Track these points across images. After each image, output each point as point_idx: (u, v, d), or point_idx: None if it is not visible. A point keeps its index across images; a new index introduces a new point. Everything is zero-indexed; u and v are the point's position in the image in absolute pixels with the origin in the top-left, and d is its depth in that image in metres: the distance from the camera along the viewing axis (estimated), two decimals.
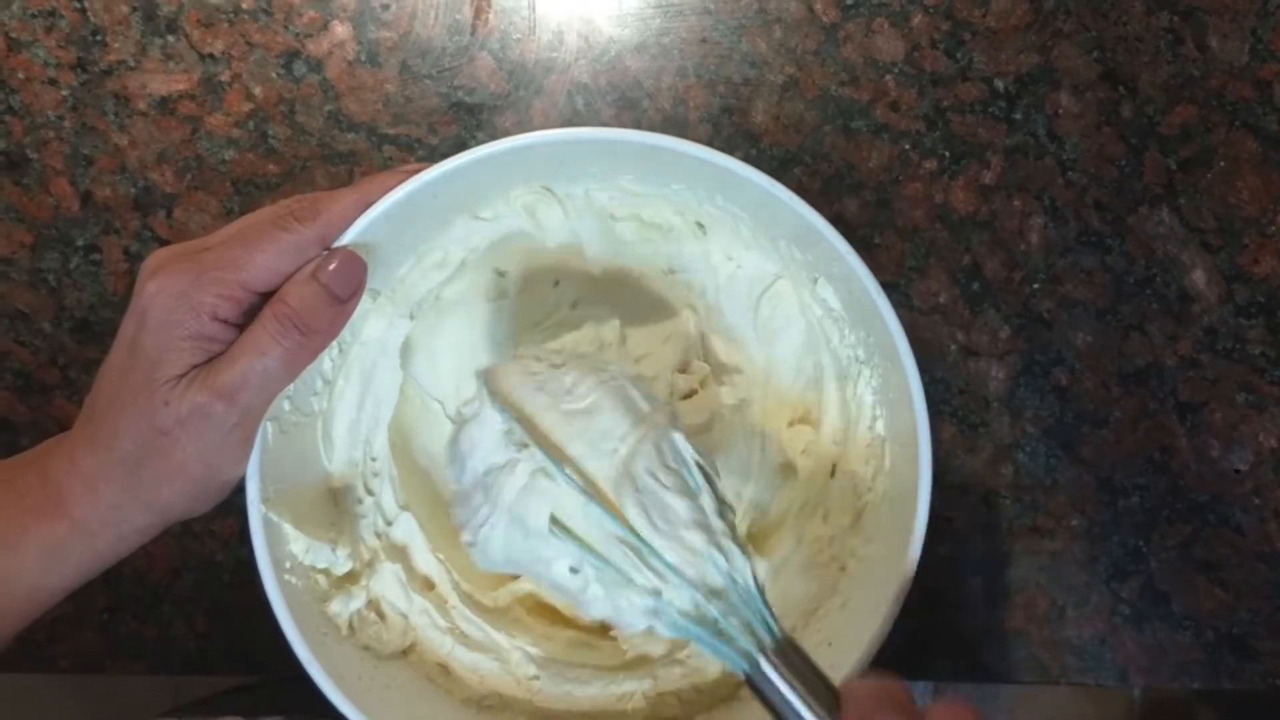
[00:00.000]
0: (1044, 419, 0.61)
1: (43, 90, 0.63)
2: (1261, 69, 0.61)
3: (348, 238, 0.45)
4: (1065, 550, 0.61)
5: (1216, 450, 0.61)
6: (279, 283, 0.45)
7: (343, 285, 0.45)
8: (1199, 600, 0.61)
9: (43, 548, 0.45)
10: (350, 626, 0.50)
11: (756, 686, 0.38)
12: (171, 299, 0.43)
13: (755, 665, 0.38)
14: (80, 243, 0.63)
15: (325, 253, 0.45)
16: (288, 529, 0.48)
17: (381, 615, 0.51)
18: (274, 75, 0.62)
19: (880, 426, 0.51)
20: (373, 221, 0.46)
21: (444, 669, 0.52)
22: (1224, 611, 0.61)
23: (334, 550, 0.50)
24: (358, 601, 0.50)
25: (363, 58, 0.62)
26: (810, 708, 0.37)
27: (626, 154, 0.48)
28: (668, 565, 0.39)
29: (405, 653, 0.52)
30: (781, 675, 0.37)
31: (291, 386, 0.46)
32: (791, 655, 0.38)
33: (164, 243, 0.63)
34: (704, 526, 0.40)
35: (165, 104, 0.63)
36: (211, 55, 0.62)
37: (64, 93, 0.63)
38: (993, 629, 0.61)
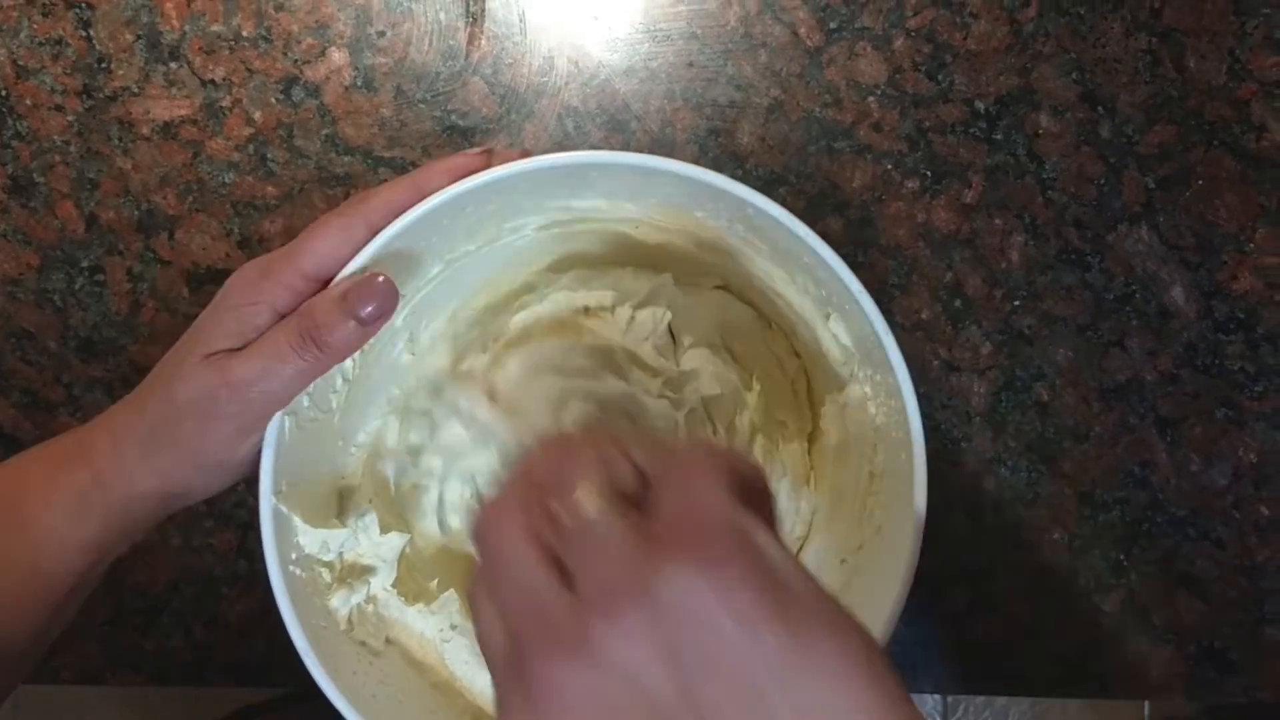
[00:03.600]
0: (1025, 434, 0.62)
1: (49, 116, 0.65)
2: (1239, 89, 0.62)
3: (395, 228, 0.46)
4: (1047, 564, 0.62)
5: (1196, 465, 0.62)
6: (334, 268, 0.46)
7: (363, 301, 0.45)
8: (1180, 614, 0.61)
9: (68, 496, 0.47)
10: (349, 621, 0.51)
11: None
12: (242, 285, 0.46)
13: None
14: (85, 264, 0.65)
15: (362, 276, 0.46)
16: (297, 522, 0.49)
17: (379, 612, 0.52)
18: (273, 100, 0.64)
19: (879, 460, 0.52)
20: (420, 217, 0.47)
21: (441, 673, 0.53)
22: (1205, 625, 0.61)
23: (348, 532, 0.51)
24: (358, 596, 0.51)
25: (359, 83, 0.64)
26: None
27: (659, 180, 0.49)
28: None
29: (403, 655, 0.53)
30: None
31: (312, 385, 0.48)
32: None
33: (165, 264, 0.64)
34: None
35: (168, 129, 0.64)
36: (213, 81, 0.64)
37: (69, 118, 0.65)
38: (975, 642, 0.62)
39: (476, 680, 0.53)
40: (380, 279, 0.46)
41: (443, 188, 0.47)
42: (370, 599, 0.52)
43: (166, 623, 0.64)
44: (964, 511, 0.62)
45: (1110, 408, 0.62)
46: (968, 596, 0.62)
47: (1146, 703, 1.34)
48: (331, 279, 0.46)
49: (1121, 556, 0.62)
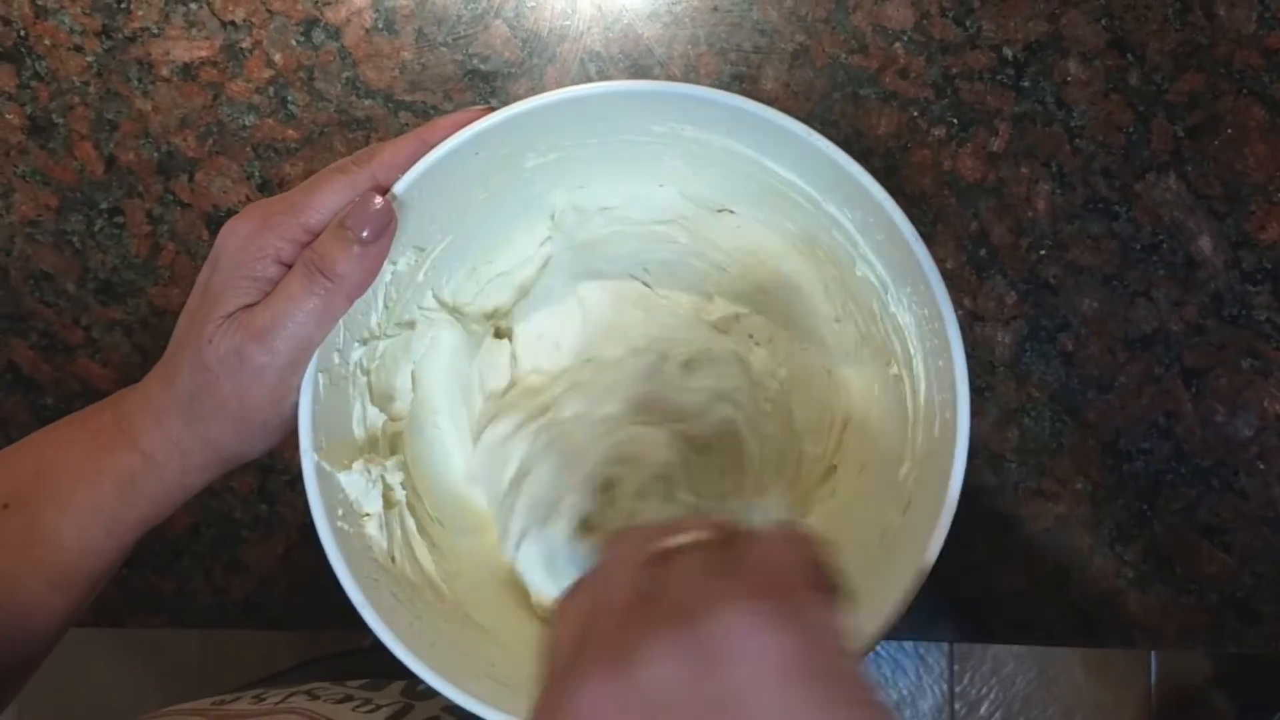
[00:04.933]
0: (1050, 384, 0.62)
1: (68, 57, 0.64)
2: (1269, 37, 0.61)
3: (405, 181, 0.46)
4: (1070, 514, 0.62)
5: (1221, 415, 0.61)
6: None
7: (359, 224, 0.44)
8: (1203, 564, 0.61)
9: (116, 478, 0.47)
10: (399, 566, 0.51)
11: None
12: (240, 241, 0.45)
13: None
14: (104, 205, 0.64)
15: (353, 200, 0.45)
16: (340, 478, 0.48)
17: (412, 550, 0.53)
18: (293, 42, 0.64)
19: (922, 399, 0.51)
20: (429, 167, 0.46)
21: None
22: (1228, 575, 0.61)
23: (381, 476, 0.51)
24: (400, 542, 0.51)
25: (380, 25, 0.64)
26: None
27: (685, 106, 0.48)
28: None
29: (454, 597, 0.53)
30: None
31: (340, 338, 0.47)
32: None
33: (186, 206, 0.64)
34: None
35: (188, 70, 0.64)
36: (233, 23, 0.64)
37: (89, 59, 0.64)
38: (996, 591, 0.62)
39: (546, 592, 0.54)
40: (375, 199, 0.45)
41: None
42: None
43: (186, 565, 0.64)
44: (986, 461, 0.62)
45: (1135, 358, 0.62)
46: (988, 546, 0.62)
47: (1154, 654, 1.34)
48: None
49: (1145, 507, 0.61)
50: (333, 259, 0.44)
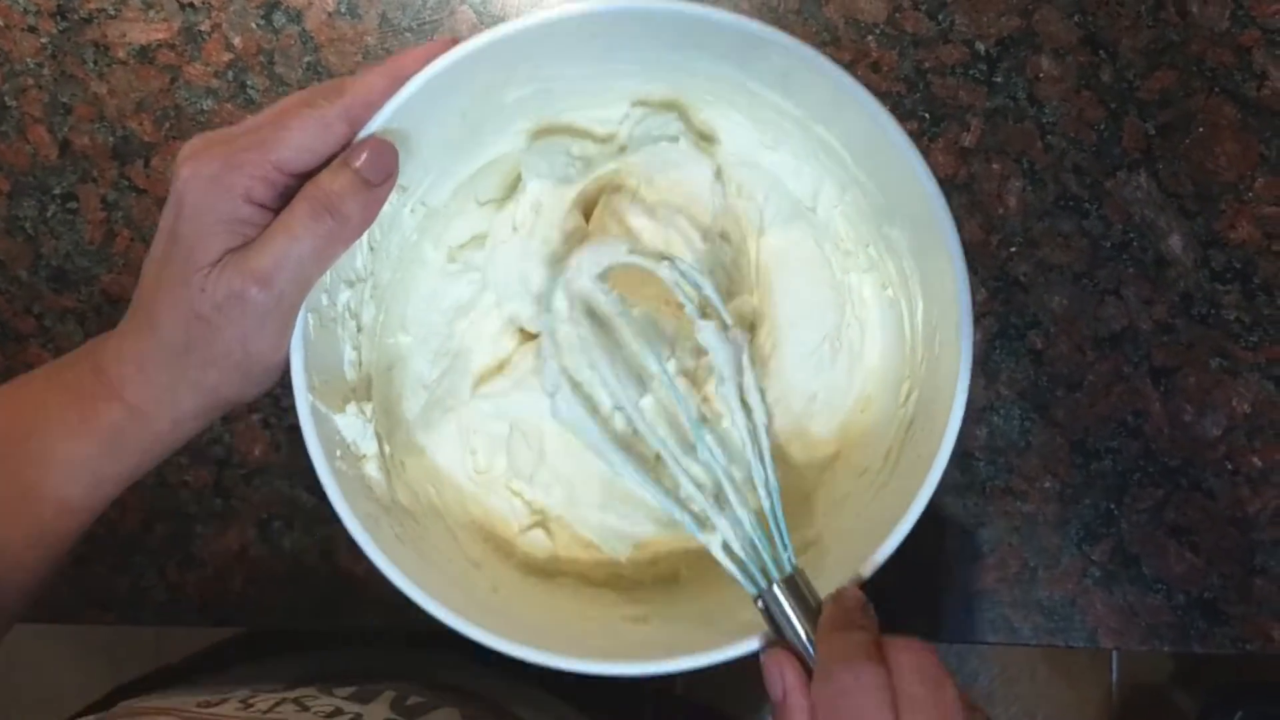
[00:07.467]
0: (1018, 382, 0.62)
1: (22, 38, 0.62)
2: (1242, 35, 0.61)
3: (381, 117, 0.45)
4: (1037, 512, 0.61)
5: (1190, 415, 0.61)
6: (311, 162, 0.44)
7: (374, 171, 0.44)
8: (1170, 564, 0.61)
9: (103, 433, 0.45)
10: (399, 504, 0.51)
11: (765, 606, 0.44)
12: (205, 183, 0.43)
13: (768, 589, 0.44)
14: (58, 191, 0.63)
15: (358, 141, 0.45)
16: (337, 419, 0.48)
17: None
18: (254, 26, 0.62)
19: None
20: (404, 103, 0.45)
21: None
22: (1195, 575, 0.61)
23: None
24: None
25: (343, 9, 0.62)
26: (807, 631, 0.43)
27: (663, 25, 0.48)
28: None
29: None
30: (789, 600, 0.44)
31: (327, 279, 0.46)
32: (798, 584, 0.44)
33: (141, 192, 0.63)
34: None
35: (144, 53, 0.62)
36: (191, 4, 0.62)
37: (43, 40, 0.62)
38: (964, 589, 0.61)
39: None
40: (374, 139, 0.45)
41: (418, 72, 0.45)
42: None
43: (139, 562, 0.63)
44: (955, 459, 0.61)
45: (1104, 356, 0.61)
46: (957, 544, 0.61)
47: (1115, 652, 1.35)
48: (307, 174, 0.45)
49: (1112, 506, 0.61)
50: (342, 199, 0.44)
